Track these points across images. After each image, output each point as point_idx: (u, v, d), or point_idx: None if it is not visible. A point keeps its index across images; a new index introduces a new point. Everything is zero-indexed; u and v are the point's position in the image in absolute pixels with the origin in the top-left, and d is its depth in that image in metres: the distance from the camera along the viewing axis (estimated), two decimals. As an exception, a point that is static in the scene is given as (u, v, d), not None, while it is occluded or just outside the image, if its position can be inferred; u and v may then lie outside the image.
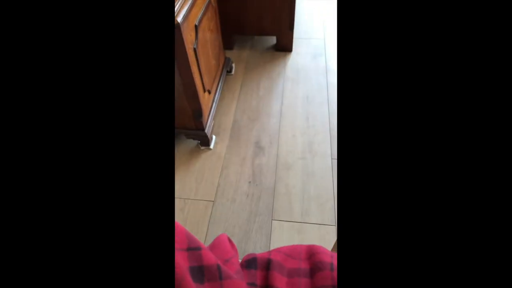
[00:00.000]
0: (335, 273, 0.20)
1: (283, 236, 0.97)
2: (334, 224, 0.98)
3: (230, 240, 0.23)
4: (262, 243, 0.96)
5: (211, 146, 1.21)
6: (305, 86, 1.43)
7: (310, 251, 0.22)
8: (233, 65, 1.53)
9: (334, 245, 0.85)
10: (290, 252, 0.22)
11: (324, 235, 0.96)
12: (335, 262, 0.21)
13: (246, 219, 1.01)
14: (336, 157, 1.16)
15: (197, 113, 1.09)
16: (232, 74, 1.52)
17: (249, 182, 1.11)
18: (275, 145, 1.21)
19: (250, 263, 0.21)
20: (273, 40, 1.66)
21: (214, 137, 1.25)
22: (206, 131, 1.15)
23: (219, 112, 1.35)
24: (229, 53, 1.61)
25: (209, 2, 1.08)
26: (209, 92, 1.17)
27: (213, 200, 1.07)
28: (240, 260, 0.23)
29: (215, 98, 1.27)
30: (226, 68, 1.44)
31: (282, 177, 1.11)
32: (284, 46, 1.59)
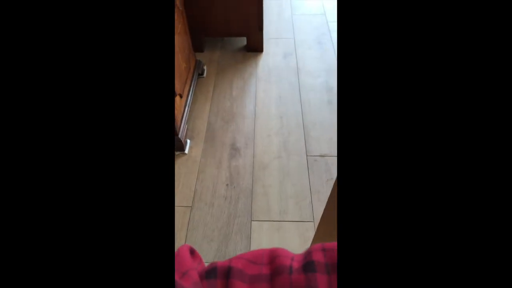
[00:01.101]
0: (293, 276, 0.20)
1: (263, 236, 0.97)
2: (312, 220, 1.01)
3: (192, 251, 0.23)
4: (243, 244, 0.96)
5: (186, 151, 1.20)
6: (277, 86, 1.45)
7: (272, 255, 0.22)
8: (205, 67, 1.51)
9: (312, 240, 0.87)
10: (252, 257, 0.22)
11: (303, 232, 0.98)
12: (295, 264, 0.21)
13: (226, 222, 1.01)
14: (311, 154, 1.19)
15: (169, 118, 1.07)
16: (204, 77, 1.50)
17: (227, 184, 1.10)
18: (251, 146, 1.22)
19: (209, 273, 0.21)
20: (243, 41, 1.67)
21: (188, 141, 1.23)
22: (179, 136, 1.13)
23: (193, 116, 1.33)
24: (199, 56, 1.59)
25: (175, 5, 1.06)
26: (181, 96, 1.15)
27: (190, 205, 1.05)
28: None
29: (187, 102, 1.25)
30: (197, 71, 1.42)
31: (259, 178, 1.12)
32: (255, 46, 1.59)
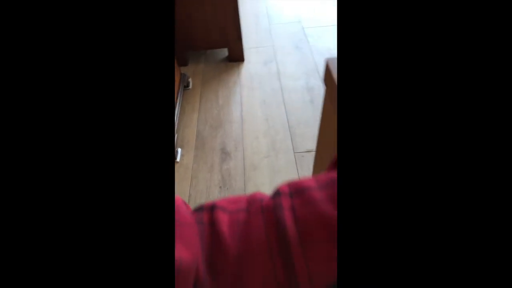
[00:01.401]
0: (264, 203, 0.25)
1: (259, 232, 1.00)
2: (304, 212, 1.05)
3: (185, 203, 0.27)
4: (240, 242, 0.98)
5: (178, 159, 1.23)
6: (261, 91, 1.52)
7: (249, 196, 0.26)
8: (190, 80, 1.57)
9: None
10: (233, 199, 0.27)
11: (296, 224, 1.02)
12: (265, 197, 0.26)
13: (221, 223, 1.04)
14: (298, 151, 1.24)
15: (159, 128, 1.11)
16: (189, 89, 1.56)
17: (220, 187, 1.14)
18: (240, 149, 1.26)
19: (197, 208, 0.26)
20: (225, 52, 1.74)
21: (179, 149, 1.26)
22: (170, 144, 1.17)
23: (181, 126, 1.37)
24: (184, 69, 1.65)
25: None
26: (168, 107, 1.20)
27: (186, 210, 1.08)
28: None
29: (176, 113, 1.30)
30: (183, 84, 1.48)
31: (251, 178, 1.16)
32: (236, 56, 1.67)
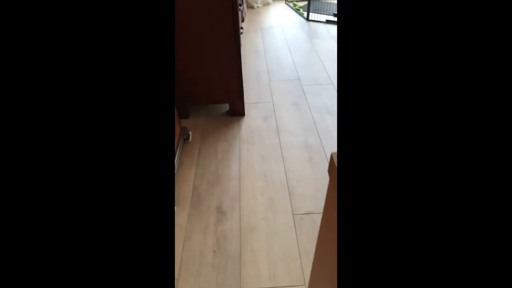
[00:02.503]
0: None
1: (254, 307, 0.92)
2: (303, 284, 0.97)
3: None
4: (232, 318, 0.90)
5: (172, 218, 1.18)
6: (259, 147, 1.52)
7: None
8: (190, 133, 1.59)
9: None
10: None
11: (294, 298, 0.94)
12: None
13: (214, 294, 0.96)
14: (297, 212, 1.20)
15: (155, 186, 1.09)
16: (189, 141, 1.56)
17: (214, 251, 1.08)
18: (237, 208, 1.22)
19: None
20: (226, 106, 1.79)
21: (174, 208, 1.22)
22: (165, 202, 1.13)
23: (178, 181, 1.35)
24: (185, 122, 1.68)
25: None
26: (166, 163, 1.19)
27: (176, 277, 1.00)
28: None
29: (174, 167, 1.29)
30: (183, 137, 1.49)
31: (246, 241, 1.10)
32: (237, 111, 1.71)
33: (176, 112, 1.38)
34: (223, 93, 1.62)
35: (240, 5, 1.94)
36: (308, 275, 0.99)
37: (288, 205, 1.23)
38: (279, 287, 0.97)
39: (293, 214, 1.19)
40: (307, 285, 0.97)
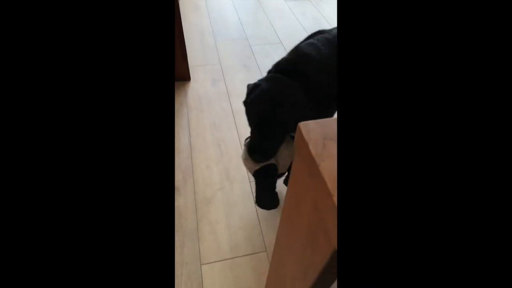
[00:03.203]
0: None
1: (216, 280, 0.89)
2: (264, 250, 0.97)
3: None
4: (195, 295, 0.86)
5: (116, 199, 1.05)
6: (210, 114, 1.41)
7: None
8: (128, 102, 1.39)
9: (269, 273, 0.83)
10: None
11: (257, 265, 0.93)
12: None
13: (172, 274, 0.90)
14: (253, 180, 1.17)
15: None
16: (128, 112, 1.38)
17: (168, 229, 1.00)
18: (190, 181, 1.14)
19: None
20: (168, 70, 1.60)
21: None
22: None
23: (120, 158, 1.19)
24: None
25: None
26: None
27: (128, 263, 0.91)
28: None
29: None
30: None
31: (204, 215, 1.05)
32: (181, 75, 1.54)
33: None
34: (163, 55, 1.43)
35: (174, -51, 1.67)
36: (268, 241, 0.99)
37: (245, 172, 1.18)
38: (241, 256, 0.95)
39: (249, 181, 1.15)
40: (268, 250, 0.96)
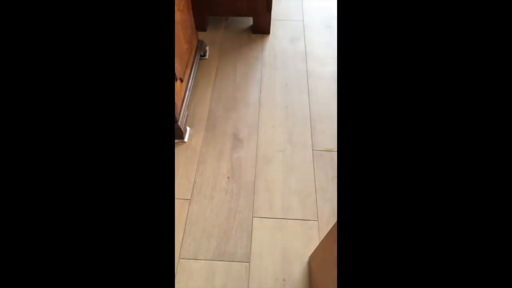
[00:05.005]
0: None
1: (265, 234, 0.94)
2: (316, 219, 0.97)
3: None
4: (244, 242, 0.92)
5: (186, 139, 1.13)
6: (283, 73, 1.37)
7: None
8: (207, 48, 1.41)
9: (319, 244, 0.83)
10: None
11: (306, 231, 0.94)
12: None
13: (226, 217, 0.97)
14: (317, 148, 1.13)
15: (169, 105, 1.00)
16: (206, 58, 1.40)
17: (228, 177, 1.05)
18: (254, 137, 1.16)
19: None
20: (249, 21, 1.56)
21: (188, 129, 1.16)
22: (179, 123, 1.06)
23: (193, 101, 1.25)
24: (202, 35, 1.48)
25: (178, -22, 0.96)
26: (181, 80, 1.07)
27: (189, 198, 1.00)
28: None
29: (189, 86, 1.17)
30: (199, 52, 1.33)
31: (262, 171, 1.07)
32: (261, 28, 1.49)
33: (193, 22, 1.19)
34: (248, 4, 1.38)
35: None
36: (322, 212, 0.98)
37: (309, 139, 1.15)
38: (291, 219, 0.97)
39: (312, 150, 1.13)
40: (320, 220, 0.96)
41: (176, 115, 1.04)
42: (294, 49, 1.46)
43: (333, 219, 0.99)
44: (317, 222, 0.96)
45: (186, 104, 1.14)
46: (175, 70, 0.97)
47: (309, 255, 0.89)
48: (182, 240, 0.92)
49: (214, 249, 0.90)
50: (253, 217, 0.97)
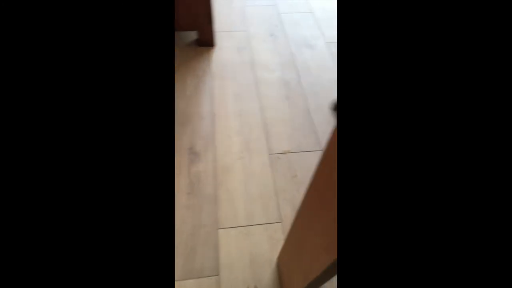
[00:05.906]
0: None
1: (231, 244, 0.94)
2: (279, 221, 0.99)
3: None
4: (210, 256, 0.91)
5: (139, 160, 1.09)
6: (233, 83, 1.39)
7: None
8: (153, 65, 1.39)
9: (285, 242, 0.85)
10: None
11: (271, 234, 0.96)
12: None
13: (190, 234, 0.95)
14: (273, 152, 1.17)
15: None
16: (153, 75, 1.38)
17: (188, 193, 1.03)
18: (212, 149, 1.16)
19: None
20: (193, 34, 1.56)
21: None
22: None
23: (144, 120, 1.22)
24: (146, 52, 1.45)
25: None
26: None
27: (149, 220, 0.96)
28: None
29: (136, 105, 1.14)
30: (144, 70, 1.30)
31: (222, 182, 1.07)
32: (206, 40, 1.50)
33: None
34: (190, 18, 1.39)
35: None
36: (284, 212, 1.01)
37: (264, 144, 1.18)
38: (256, 225, 0.98)
39: (268, 154, 1.16)
40: (283, 222, 0.99)
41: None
42: (241, 59, 1.50)
43: (296, 218, 1.02)
44: (281, 223, 0.99)
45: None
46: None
47: (277, 257, 0.91)
48: (146, 265, 0.88)
49: (181, 268, 0.88)
50: (218, 229, 0.96)
